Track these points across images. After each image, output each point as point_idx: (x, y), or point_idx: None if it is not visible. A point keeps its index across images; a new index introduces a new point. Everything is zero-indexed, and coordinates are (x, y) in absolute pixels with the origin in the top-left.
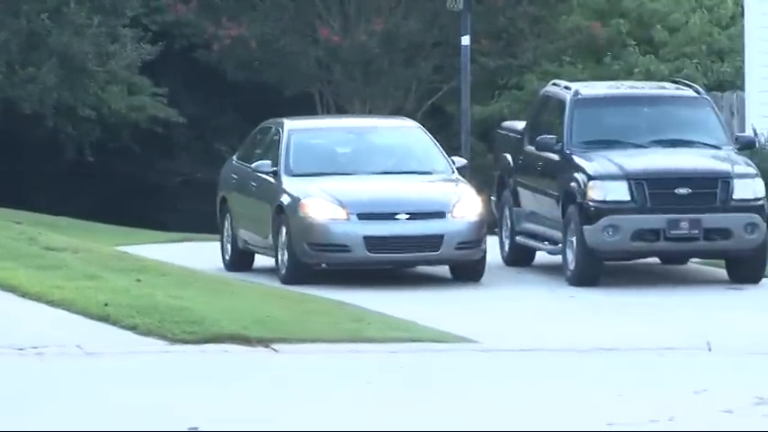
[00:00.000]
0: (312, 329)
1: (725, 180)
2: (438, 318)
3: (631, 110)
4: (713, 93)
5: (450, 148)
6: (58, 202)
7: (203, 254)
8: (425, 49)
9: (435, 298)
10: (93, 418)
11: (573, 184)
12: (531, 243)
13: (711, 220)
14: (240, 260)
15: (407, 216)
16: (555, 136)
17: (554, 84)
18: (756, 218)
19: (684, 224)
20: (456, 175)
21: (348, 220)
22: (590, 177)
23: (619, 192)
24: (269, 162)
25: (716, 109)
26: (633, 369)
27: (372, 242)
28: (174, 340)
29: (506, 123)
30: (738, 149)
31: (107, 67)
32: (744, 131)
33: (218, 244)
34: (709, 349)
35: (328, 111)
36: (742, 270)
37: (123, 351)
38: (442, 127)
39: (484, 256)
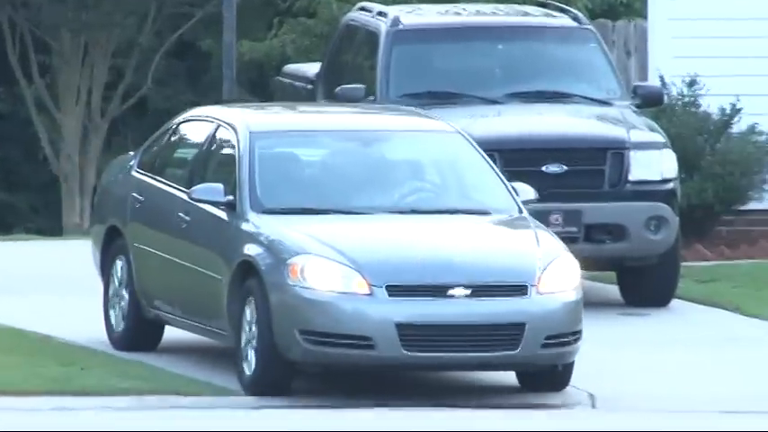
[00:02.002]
0: None
1: (617, 152)
2: (212, 362)
3: (477, 47)
4: (600, 21)
5: (212, 101)
6: None
7: None
8: None
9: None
10: None
11: None
12: None
13: (596, 211)
14: (144, 334)
15: (468, 291)
16: (364, 86)
17: (362, 8)
18: (663, 209)
19: (556, 218)
20: (526, 214)
21: (371, 295)
22: None
23: None
24: (220, 187)
25: (604, 45)
26: None
27: (411, 333)
28: None
29: (290, 67)
30: (638, 106)
31: None
32: (646, 79)
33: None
34: (593, 405)
35: (23, 47)
36: (643, 287)
37: None
38: (194, 72)
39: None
